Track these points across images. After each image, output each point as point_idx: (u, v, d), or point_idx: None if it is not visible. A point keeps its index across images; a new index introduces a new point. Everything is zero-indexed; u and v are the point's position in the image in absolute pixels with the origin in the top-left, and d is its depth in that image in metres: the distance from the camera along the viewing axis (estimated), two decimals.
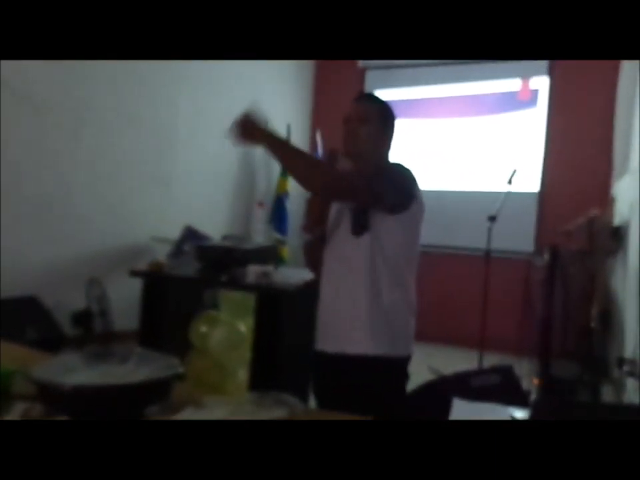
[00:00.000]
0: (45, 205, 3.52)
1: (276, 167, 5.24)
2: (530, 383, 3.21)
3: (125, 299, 3.54)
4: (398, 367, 1.45)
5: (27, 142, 3.40)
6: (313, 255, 1.63)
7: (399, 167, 1.48)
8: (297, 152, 1.47)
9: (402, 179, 1.44)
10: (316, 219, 1.53)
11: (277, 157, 1.42)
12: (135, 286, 2.71)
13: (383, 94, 5.40)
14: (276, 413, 0.90)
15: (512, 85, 4.93)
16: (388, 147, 1.55)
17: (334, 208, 1.56)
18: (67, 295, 3.57)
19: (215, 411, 0.91)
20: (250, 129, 1.41)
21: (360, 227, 1.43)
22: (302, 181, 1.41)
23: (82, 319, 3.49)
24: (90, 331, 3.51)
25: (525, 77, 4.85)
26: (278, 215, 5.08)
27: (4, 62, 3.02)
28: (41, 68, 3.34)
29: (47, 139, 3.51)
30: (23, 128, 3.37)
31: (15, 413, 0.88)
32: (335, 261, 1.50)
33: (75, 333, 3.46)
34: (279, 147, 1.44)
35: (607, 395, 3.11)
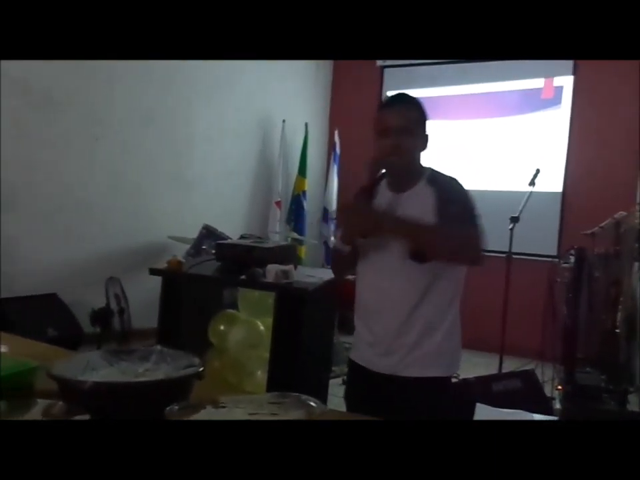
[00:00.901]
0: (65, 204, 3.55)
1: (294, 166, 5.23)
2: (552, 389, 3.13)
3: (143, 298, 3.56)
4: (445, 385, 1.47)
5: (46, 142, 3.44)
6: (342, 264, 1.56)
7: (462, 189, 1.41)
8: (430, 228, 1.34)
9: (472, 204, 1.40)
10: (357, 232, 1.38)
11: (414, 240, 1.33)
12: (154, 284, 2.71)
13: None
14: (295, 414, 0.88)
15: (536, 83, 4.83)
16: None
17: None
18: (87, 293, 3.60)
19: (234, 410, 0.90)
20: (373, 222, 1.30)
21: (422, 253, 1.35)
22: (453, 257, 1.37)
23: (101, 316, 3.51)
24: (109, 329, 3.54)
25: (549, 76, 4.75)
26: (295, 214, 5.08)
27: (23, 62, 3.05)
28: (60, 69, 3.37)
29: (66, 139, 3.54)
30: (43, 128, 3.41)
31: (37, 409, 0.87)
32: (385, 280, 1.42)
33: (94, 330, 3.49)
34: (414, 228, 1.31)
35: (634, 404, 3.01)
